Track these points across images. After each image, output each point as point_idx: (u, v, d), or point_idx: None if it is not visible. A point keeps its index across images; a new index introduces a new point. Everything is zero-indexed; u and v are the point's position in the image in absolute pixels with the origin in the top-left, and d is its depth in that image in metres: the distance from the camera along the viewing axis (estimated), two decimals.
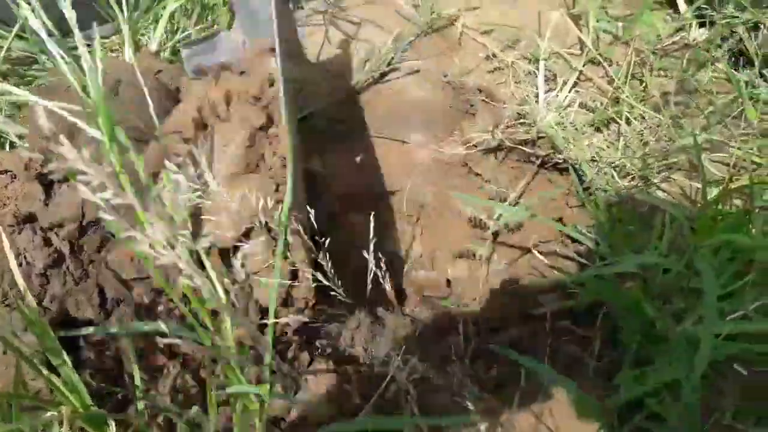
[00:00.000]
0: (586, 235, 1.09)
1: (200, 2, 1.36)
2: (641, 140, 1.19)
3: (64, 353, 0.67)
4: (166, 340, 0.49)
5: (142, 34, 1.32)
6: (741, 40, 1.26)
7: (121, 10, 1.30)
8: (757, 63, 1.25)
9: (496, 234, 1.24)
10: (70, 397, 0.61)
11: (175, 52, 1.34)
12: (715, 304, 0.73)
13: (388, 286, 0.84)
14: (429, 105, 1.39)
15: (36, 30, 0.62)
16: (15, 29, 1.27)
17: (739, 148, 1.08)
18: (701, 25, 1.38)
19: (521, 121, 1.27)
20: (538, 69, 1.34)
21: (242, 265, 0.43)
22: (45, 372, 0.60)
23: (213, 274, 0.45)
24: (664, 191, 1.12)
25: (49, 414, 0.56)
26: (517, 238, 1.23)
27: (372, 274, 0.86)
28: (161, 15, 1.31)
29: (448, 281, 1.25)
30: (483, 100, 1.34)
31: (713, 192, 1.09)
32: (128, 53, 1.29)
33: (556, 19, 1.40)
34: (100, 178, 0.40)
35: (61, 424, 0.56)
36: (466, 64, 1.45)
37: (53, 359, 0.63)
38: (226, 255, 0.87)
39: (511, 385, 0.98)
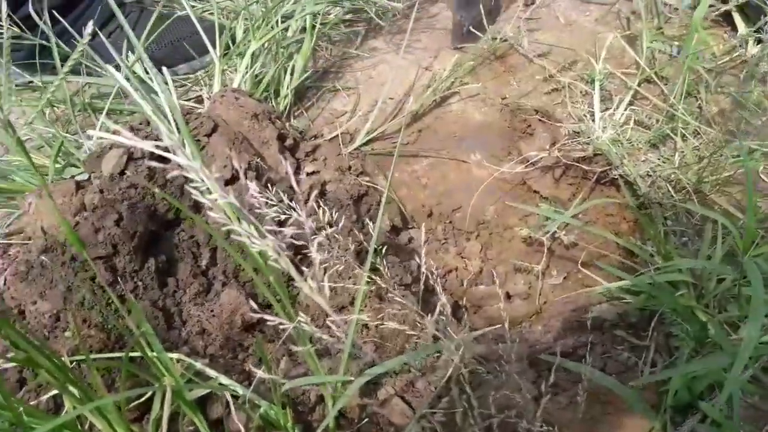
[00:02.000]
0: (640, 247, 1.12)
1: (277, 43, 1.49)
2: (697, 155, 1.22)
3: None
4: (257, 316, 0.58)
5: (224, 70, 1.46)
6: None
7: (215, 50, 1.45)
8: None
9: (552, 249, 1.29)
10: (167, 375, 0.71)
11: (254, 84, 1.47)
12: (762, 305, 0.76)
13: (439, 291, 0.90)
14: (488, 126, 1.46)
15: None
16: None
17: None
18: (759, 41, 1.39)
19: (577, 139, 1.32)
20: (594, 89, 1.39)
21: (318, 250, 0.52)
22: (149, 353, 0.70)
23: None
24: (719, 204, 1.14)
25: (154, 387, 0.66)
26: (573, 252, 1.27)
27: (423, 282, 0.92)
28: (245, 53, 1.45)
29: (508, 295, 1.30)
30: (540, 120, 1.40)
31: None
32: (216, 87, 1.44)
33: (610, 41, 1.44)
34: (208, 184, 0.49)
35: (163, 398, 0.66)
36: (524, 87, 1.51)
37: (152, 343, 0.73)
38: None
39: (566, 391, 1.02)
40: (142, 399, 0.79)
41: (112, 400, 0.66)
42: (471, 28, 1.59)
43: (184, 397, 0.73)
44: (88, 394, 0.74)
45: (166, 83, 1.07)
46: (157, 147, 0.50)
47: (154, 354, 0.72)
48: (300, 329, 0.74)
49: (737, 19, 1.49)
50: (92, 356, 0.84)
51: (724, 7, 1.44)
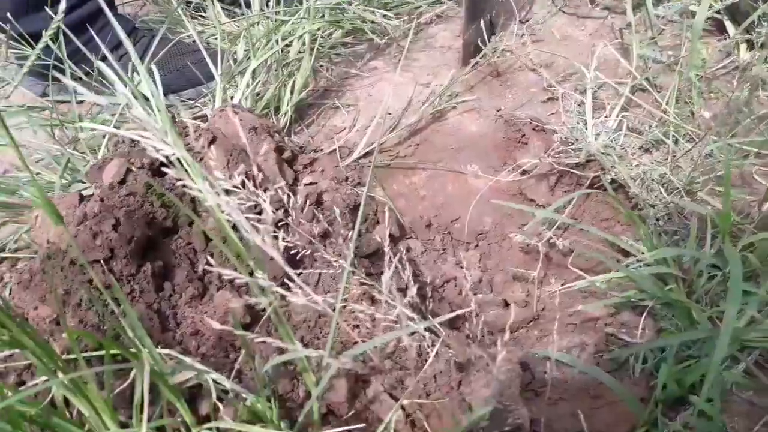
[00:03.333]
0: (631, 245, 1.12)
1: (278, 61, 1.54)
2: (689, 157, 1.22)
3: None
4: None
5: (226, 89, 1.51)
6: None
7: (216, 69, 1.50)
8: None
9: (550, 256, 1.29)
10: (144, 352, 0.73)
11: (255, 101, 1.52)
12: (738, 287, 0.76)
13: (408, 278, 0.90)
14: (484, 138, 1.49)
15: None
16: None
17: None
18: (751, 47, 1.40)
19: (571, 146, 1.33)
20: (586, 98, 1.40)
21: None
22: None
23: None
24: (711, 204, 1.13)
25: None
26: (570, 259, 1.27)
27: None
28: (245, 71, 1.50)
29: (506, 302, 1.30)
30: (534, 130, 1.41)
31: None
32: (218, 104, 1.49)
33: (601, 51, 1.47)
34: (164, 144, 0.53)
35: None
36: (518, 99, 1.54)
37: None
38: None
39: (557, 387, 1.01)
40: (126, 384, 0.81)
41: (90, 372, 0.68)
42: (479, 43, 1.62)
43: (165, 379, 0.74)
44: (76, 382, 0.76)
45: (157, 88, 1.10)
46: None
47: (136, 337, 0.74)
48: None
49: (728, 25, 1.51)
50: (86, 355, 0.86)
51: (712, 11, 1.45)
